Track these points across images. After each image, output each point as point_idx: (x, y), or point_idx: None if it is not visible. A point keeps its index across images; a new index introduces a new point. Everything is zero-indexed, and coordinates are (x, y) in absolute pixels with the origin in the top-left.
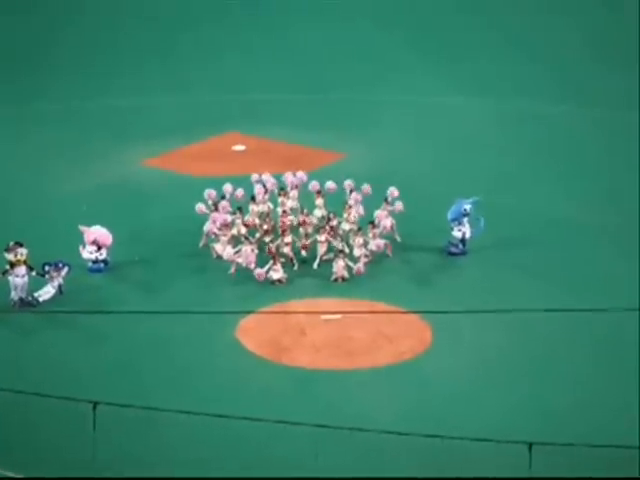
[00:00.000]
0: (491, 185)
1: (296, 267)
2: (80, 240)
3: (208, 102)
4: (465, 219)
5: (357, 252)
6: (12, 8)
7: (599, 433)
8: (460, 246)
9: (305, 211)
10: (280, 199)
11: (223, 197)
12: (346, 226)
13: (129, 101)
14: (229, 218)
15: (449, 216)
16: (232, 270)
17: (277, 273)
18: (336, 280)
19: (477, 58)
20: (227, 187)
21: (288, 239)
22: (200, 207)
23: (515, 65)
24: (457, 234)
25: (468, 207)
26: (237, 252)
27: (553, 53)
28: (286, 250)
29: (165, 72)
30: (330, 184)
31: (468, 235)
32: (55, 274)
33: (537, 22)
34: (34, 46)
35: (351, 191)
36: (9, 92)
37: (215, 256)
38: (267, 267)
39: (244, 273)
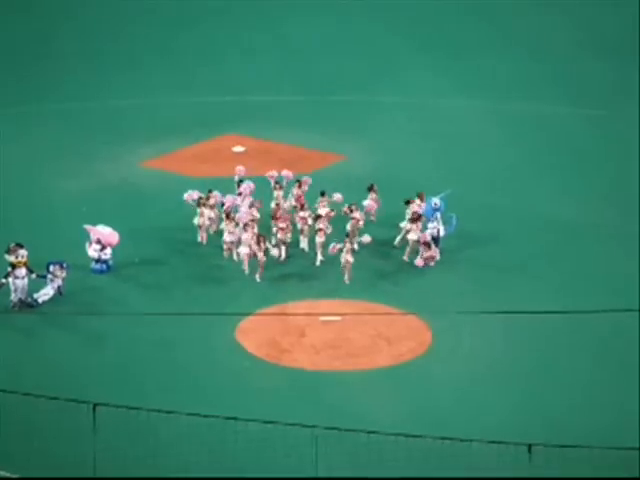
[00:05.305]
0: (491, 186)
1: (282, 258)
2: (83, 239)
3: (208, 103)
4: (438, 214)
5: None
6: (12, 8)
7: (599, 435)
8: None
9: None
10: (275, 193)
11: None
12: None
13: (129, 102)
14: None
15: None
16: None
17: (274, 250)
18: (344, 267)
19: (477, 59)
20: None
21: (282, 225)
22: (188, 196)
23: (515, 66)
24: (431, 231)
25: (438, 201)
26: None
27: (552, 53)
28: (279, 236)
29: (165, 74)
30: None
31: (442, 233)
32: (59, 273)
33: (537, 22)
34: (34, 46)
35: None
36: (10, 92)
37: (226, 256)
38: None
39: (243, 276)
